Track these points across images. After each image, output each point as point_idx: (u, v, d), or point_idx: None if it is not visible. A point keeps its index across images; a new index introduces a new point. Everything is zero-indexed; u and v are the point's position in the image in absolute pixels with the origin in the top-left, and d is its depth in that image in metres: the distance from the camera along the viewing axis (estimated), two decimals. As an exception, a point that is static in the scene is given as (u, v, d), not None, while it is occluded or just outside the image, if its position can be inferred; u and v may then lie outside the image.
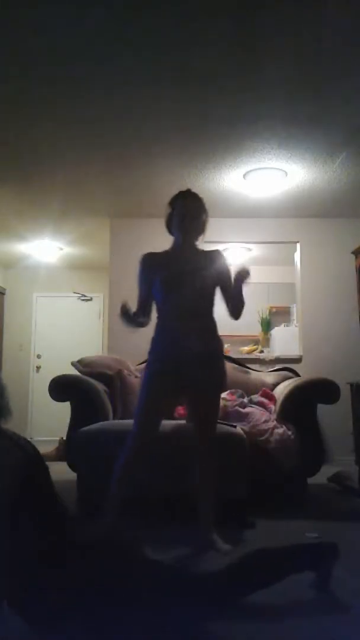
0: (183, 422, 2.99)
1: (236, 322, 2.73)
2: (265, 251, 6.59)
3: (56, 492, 1.58)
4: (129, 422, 2.57)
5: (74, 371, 3.51)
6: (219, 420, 2.59)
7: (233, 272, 2.63)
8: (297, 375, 3.89)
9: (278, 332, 6.44)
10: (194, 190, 2.81)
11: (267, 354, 5.89)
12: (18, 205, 4.95)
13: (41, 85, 3.00)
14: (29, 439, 1.70)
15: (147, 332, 5.14)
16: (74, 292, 7.54)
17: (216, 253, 2.73)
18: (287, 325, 6.54)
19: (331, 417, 3.53)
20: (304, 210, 5.08)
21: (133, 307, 2.61)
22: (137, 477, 2.45)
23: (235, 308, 2.64)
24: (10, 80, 2.96)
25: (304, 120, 3.37)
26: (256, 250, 6.55)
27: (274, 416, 3.36)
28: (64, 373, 3.36)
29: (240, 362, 4.14)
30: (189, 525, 2.45)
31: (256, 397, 3.61)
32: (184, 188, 4.52)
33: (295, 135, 3.57)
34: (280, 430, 3.19)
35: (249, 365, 4.19)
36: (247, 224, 5.37)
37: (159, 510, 2.72)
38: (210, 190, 4.57)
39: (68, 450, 3.22)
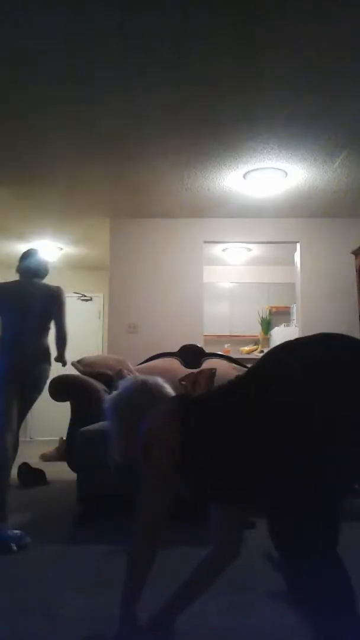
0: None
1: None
2: (265, 251, 6.60)
3: None
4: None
5: (74, 371, 3.51)
6: None
7: None
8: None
9: (278, 332, 6.45)
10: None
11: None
12: (18, 205, 4.95)
13: (41, 85, 3.00)
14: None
15: (147, 333, 5.16)
16: (74, 292, 7.53)
17: None
18: (287, 325, 6.55)
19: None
20: (304, 210, 5.08)
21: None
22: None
23: None
24: (11, 81, 2.96)
25: (304, 120, 3.37)
26: (256, 250, 6.56)
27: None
28: (64, 373, 3.35)
29: (240, 362, 4.14)
30: (189, 524, 2.44)
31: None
32: (183, 188, 4.56)
33: (295, 135, 3.57)
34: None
35: (248, 366, 4.19)
36: (247, 224, 5.37)
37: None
38: (210, 190, 4.58)
39: (68, 450, 3.22)
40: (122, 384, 1.63)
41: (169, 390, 1.62)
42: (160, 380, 1.64)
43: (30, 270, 3.44)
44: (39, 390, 3.26)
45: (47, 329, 3.33)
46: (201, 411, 1.50)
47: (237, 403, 1.47)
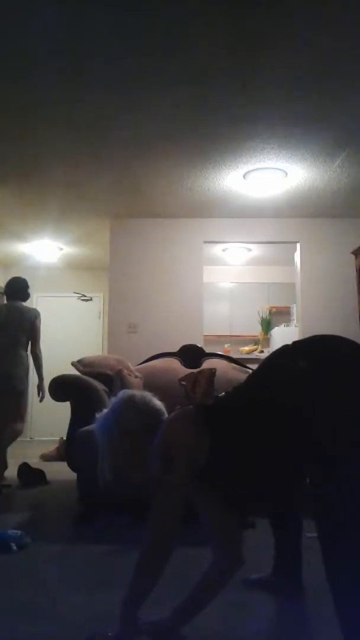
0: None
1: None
2: (265, 251, 6.60)
3: None
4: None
5: (74, 371, 3.51)
6: None
7: None
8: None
9: (278, 332, 6.45)
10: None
11: (267, 354, 5.89)
12: (18, 205, 4.95)
13: (41, 86, 3.00)
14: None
15: (147, 333, 5.17)
16: (74, 292, 7.53)
17: None
18: (287, 325, 6.55)
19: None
20: (304, 210, 5.08)
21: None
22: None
23: None
24: (11, 81, 2.96)
25: (304, 120, 3.37)
26: (256, 250, 6.56)
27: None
28: (64, 373, 3.36)
29: (240, 362, 4.14)
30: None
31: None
32: (183, 188, 4.56)
33: (295, 135, 3.57)
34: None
35: (248, 365, 4.19)
36: (247, 224, 5.37)
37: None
38: (210, 190, 4.58)
39: (68, 450, 3.22)
40: (112, 401, 1.67)
41: (157, 403, 1.66)
42: (147, 394, 1.67)
43: (13, 295, 4.29)
44: (15, 390, 4.05)
45: (25, 342, 4.19)
46: (225, 419, 1.56)
47: (258, 410, 1.53)
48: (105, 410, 1.65)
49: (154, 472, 1.51)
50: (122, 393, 1.68)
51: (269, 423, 1.50)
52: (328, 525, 1.44)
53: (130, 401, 1.63)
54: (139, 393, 1.68)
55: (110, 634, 1.46)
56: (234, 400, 1.64)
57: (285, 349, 1.63)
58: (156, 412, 1.63)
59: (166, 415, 1.64)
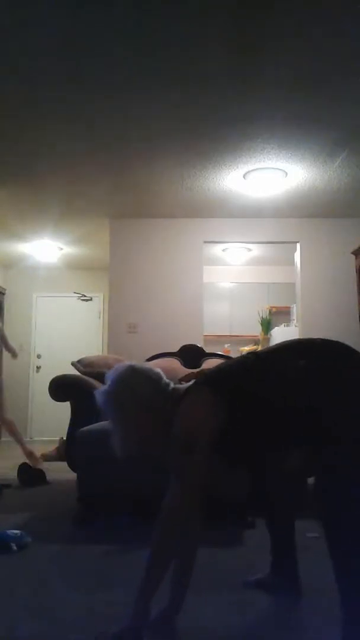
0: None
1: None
2: (265, 251, 6.60)
3: None
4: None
5: (74, 371, 3.51)
6: None
7: None
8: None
9: (278, 332, 6.45)
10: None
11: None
12: (18, 205, 4.95)
13: (41, 86, 3.00)
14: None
15: (147, 333, 5.17)
16: (74, 292, 7.53)
17: None
18: (287, 325, 6.55)
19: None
20: (304, 210, 5.08)
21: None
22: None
23: None
24: (11, 81, 2.96)
25: (304, 120, 3.37)
26: (256, 250, 6.56)
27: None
28: (64, 373, 3.35)
29: (240, 362, 4.13)
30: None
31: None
32: (183, 188, 4.56)
33: (295, 135, 3.57)
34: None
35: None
36: (247, 224, 5.37)
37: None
38: (210, 190, 4.58)
39: (68, 450, 3.22)
40: (109, 377, 1.60)
41: (157, 369, 1.63)
42: (143, 364, 1.67)
43: None
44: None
45: None
46: (237, 395, 1.56)
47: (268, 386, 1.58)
48: (107, 385, 1.58)
49: (173, 454, 1.49)
50: (116, 367, 1.62)
51: (277, 410, 1.53)
52: (336, 521, 1.45)
53: (132, 368, 1.59)
54: (136, 363, 1.65)
55: (113, 632, 1.46)
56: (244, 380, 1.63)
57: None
58: (158, 375, 1.61)
59: (165, 378, 1.62)
